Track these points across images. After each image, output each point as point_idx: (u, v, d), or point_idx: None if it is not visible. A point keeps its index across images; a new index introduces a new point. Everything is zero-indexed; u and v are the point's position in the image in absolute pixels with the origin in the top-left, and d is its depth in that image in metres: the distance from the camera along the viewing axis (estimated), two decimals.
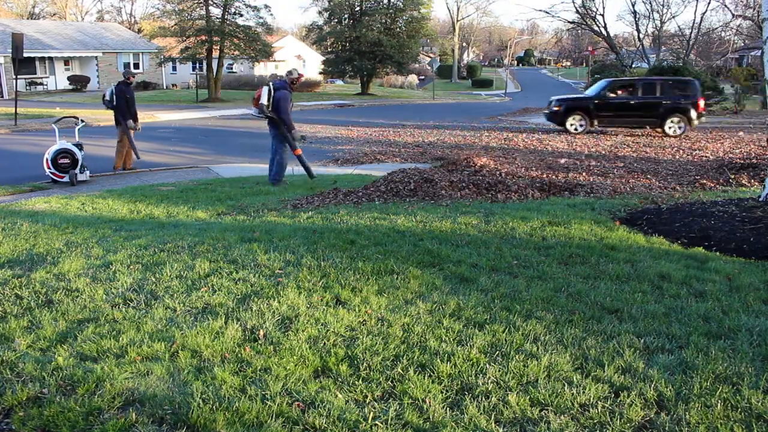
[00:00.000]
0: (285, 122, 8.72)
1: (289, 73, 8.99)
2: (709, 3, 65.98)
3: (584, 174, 9.44)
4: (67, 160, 9.58)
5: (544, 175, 9.18)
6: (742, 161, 10.23)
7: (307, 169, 9.17)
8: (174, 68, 41.10)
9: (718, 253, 4.82)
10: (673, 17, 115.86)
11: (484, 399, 2.64)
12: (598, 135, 16.08)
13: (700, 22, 40.00)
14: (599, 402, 2.61)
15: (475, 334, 3.24)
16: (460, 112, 26.51)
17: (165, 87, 40.79)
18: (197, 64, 39.15)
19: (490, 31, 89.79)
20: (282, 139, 8.88)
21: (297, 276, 4.13)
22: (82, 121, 11.14)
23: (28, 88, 34.06)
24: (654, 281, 4.09)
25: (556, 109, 17.21)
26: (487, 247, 4.88)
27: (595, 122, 16.79)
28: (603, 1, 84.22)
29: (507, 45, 79.66)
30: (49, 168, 9.49)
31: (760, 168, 9.29)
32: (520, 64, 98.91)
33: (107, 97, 10.82)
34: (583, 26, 38.95)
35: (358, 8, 39.19)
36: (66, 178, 9.53)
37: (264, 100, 8.52)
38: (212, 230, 5.58)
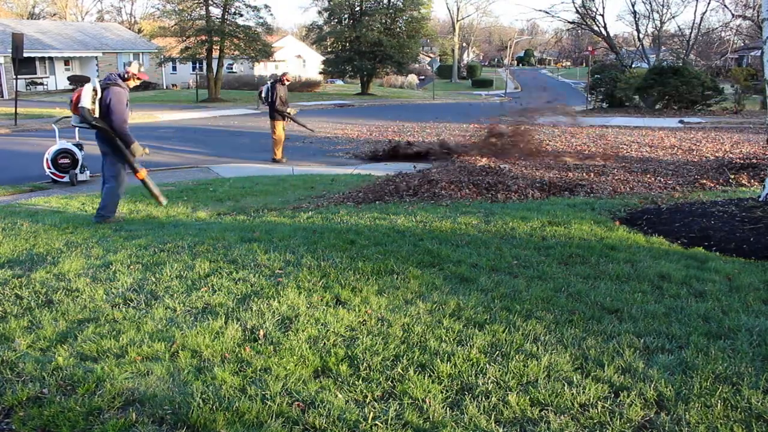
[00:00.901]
0: None
1: (127, 64, 6.47)
2: (709, 3, 66.03)
3: (584, 173, 9.43)
4: (67, 160, 9.59)
5: (545, 176, 9.18)
6: (742, 161, 10.22)
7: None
8: (174, 68, 41.12)
9: (718, 253, 4.82)
10: (673, 17, 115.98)
11: (484, 399, 2.64)
12: (598, 134, 16.07)
13: (700, 22, 39.98)
14: (599, 402, 2.61)
15: (475, 334, 3.24)
16: (460, 112, 26.51)
17: (165, 87, 40.80)
18: (197, 64, 39.15)
19: (490, 31, 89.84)
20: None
21: (297, 276, 4.13)
22: None
23: (28, 88, 34.06)
24: (654, 281, 4.09)
25: None
26: (487, 247, 4.88)
27: None
28: (603, 1, 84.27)
29: (507, 45, 79.72)
30: (49, 168, 9.50)
31: (760, 168, 9.29)
32: (520, 64, 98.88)
33: (264, 94, 12.06)
34: (583, 26, 38.92)
35: (358, 8, 39.20)
36: (66, 178, 9.54)
37: (84, 103, 6.06)
38: (212, 230, 5.58)
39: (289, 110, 12.15)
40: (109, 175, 6.37)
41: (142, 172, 6.43)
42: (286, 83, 12.17)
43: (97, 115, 6.07)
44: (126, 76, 6.26)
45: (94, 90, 6.06)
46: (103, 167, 6.43)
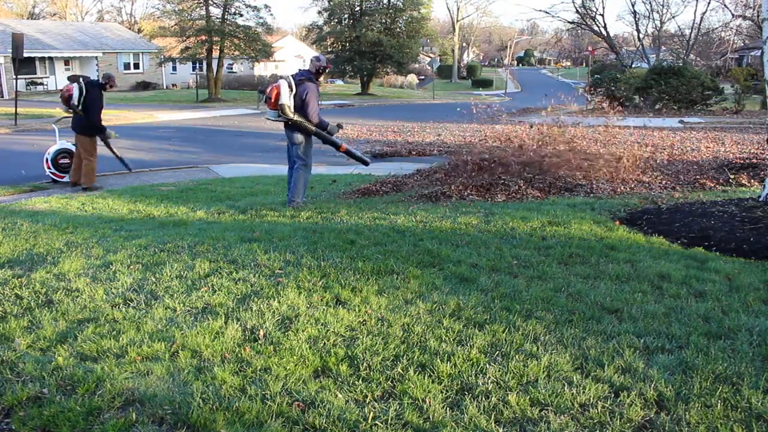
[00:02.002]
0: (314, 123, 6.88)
1: (317, 59, 6.99)
2: (709, 3, 65.95)
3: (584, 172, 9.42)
4: (67, 160, 9.59)
5: (546, 177, 9.17)
6: (742, 161, 10.22)
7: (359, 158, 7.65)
8: (174, 68, 41.13)
9: (717, 253, 4.82)
10: (673, 17, 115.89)
11: (484, 399, 2.64)
12: (598, 134, 16.05)
13: (700, 22, 40.03)
14: (599, 402, 2.61)
15: (475, 334, 3.24)
16: (461, 112, 26.50)
17: (165, 87, 40.81)
18: (197, 64, 39.16)
19: (490, 31, 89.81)
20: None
21: (297, 276, 4.13)
22: None
23: (28, 88, 34.08)
24: (654, 281, 4.09)
25: None
26: (487, 247, 4.88)
27: None
28: (603, 1, 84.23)
29: (507, 45, 79.66)
30: (49, 168, 9.49)
31: (760, 168, 9.29)
32: (520, 64, 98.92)
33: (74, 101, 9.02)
34: (583, 26, 38.94)
35: (358, 8, 39.21)
36: (66, 178, 9.54)
37: (283, 99, 6.66)
38: (212, 230, 5.58)
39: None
40: (301, 163, 7.01)
41: (344, 146, 7.27)
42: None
43: (293, 109, 6.71)
44: (321, 69, 6.86)
45: (290, 86, 6.68)
46: (292, 155, 7.08)
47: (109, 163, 11.64)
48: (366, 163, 7.78)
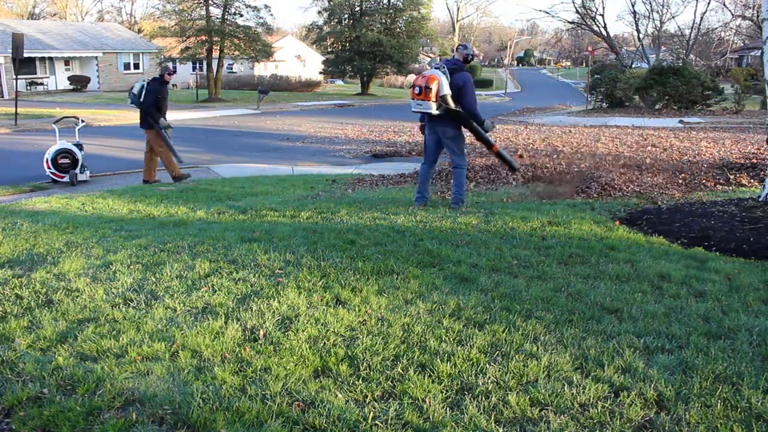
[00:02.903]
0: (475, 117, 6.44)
1: (463, 47, 6.49)
2: (708, 3, 65.91)
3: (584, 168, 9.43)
4: (67, 160, 9.59)
5: (546, 175, 9.18)
6: (742, 161, 10.23)
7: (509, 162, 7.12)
8: (174, 68, 41.14)
9: (717, 253, 4.82)
10: (673, 17, 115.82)
11: (484, 399, 2.64)
12: (598, 135, 16.06)
13: (700, 22, 40.01)
14: (599, 402, 2.61)
15: (475, 334, 3.24)
16: None
17: None
18: (197, 64, 39.16)
19: (490, 31, 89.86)
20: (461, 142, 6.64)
21: (297, 276, 4.13)
22: (83, 121, 11.14)
23: (28, 88, 34.07)
24: (654, 281, 4.09)
25: None
26: (487, 247, 4.88)
27: None
28: (603, 1, 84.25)
29: (507, 45, 79.67)
30: (49, 168, 9.50)
31: (760, 168, 9.29)
32: (520, 64, 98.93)
33: (135, 92, 9.54)
34: (583, 26, 38.95)
35: (358, 8, 39.23)
36: (66, 178, 9.54)
37: (445, 90, 6.10)
38: (212, 230, 5.59)
39: None
40: (458, 162, 6.61)
41: (496, 146, 6.80)
42: None
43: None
44: (469, 57, 6.40)
45: (445, 75, 6.15)
46: (436, 152, 6.76)
47: (109, 163, 11.66)
48: (515, 170, 7.38)
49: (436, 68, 6.22)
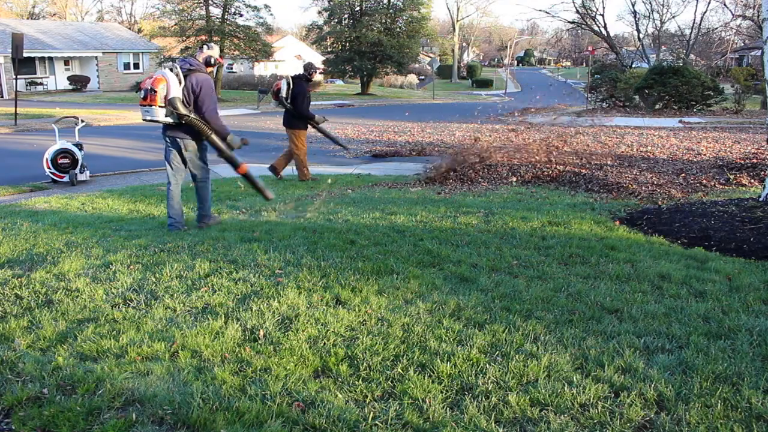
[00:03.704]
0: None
1: (208, 47, 5.71)
2: (709, 3, 65.92)
3: (584, 170, 9.44)
4: (67, 160, 9.58)
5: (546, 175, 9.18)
6: (742, 161, 10.23)
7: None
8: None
9: (718, 253, 4.82)
10: (673, 17, 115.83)
11: (484, 399, 2.64)
12: (597, 134, 16.06)
13: (700, 22, 40.01)
14: (599, 402, 2.61)
15: (475, 334, 3.24)
16: (461, 112, 26.51)
17: None
18: None
19: (490, 31, 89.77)
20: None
21: (297, 276, 4.13)
22: (82, 121, 11.13)
23: (28, 88, 34.07)
24: (654, 281, 4.09)
25: None
26: (487, 247, 4.88)
27: None
28: (603, 1, 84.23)
29: (507, 45, 79.72)
30: (49, 168, 9.49)
31: (760, 168, 9.29)
32: (520, 64, 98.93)
33: (283, 93, 8.93)
34: (583, 26, 38.95)
35: (358, 8, 39.21)
36: (66, 178, 9.53)
37: (173, 92, 5.26)
38: (212, 230, 5.58)
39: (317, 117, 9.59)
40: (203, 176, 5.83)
41: (244, 166, 5.81)
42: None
43: None
44: (210, 61, 5.67)
45: (177, 77, 5.35)
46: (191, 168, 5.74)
47: (109, 163, 11.65)
48: (267, 198, 6.26)
49: (168, 69, 5.35)
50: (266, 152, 13.30)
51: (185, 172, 5.84)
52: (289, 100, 8.93)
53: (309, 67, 9.33)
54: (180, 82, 5.30)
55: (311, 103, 9.44)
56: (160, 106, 5.24)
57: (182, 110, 5.28)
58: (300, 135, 9.30)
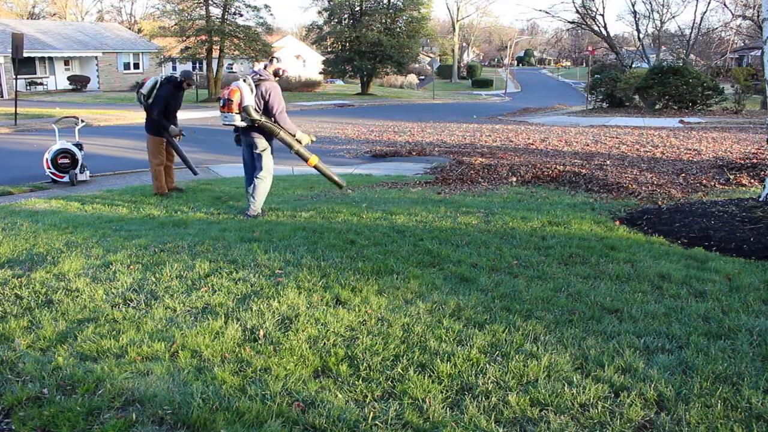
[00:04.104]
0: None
1: (277, 60, 6.56)
2: (709, 3, 65.94)
3: (584, 170, 9.44)
4: (67, 160, 9.58)
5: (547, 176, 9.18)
6: (742, 161, 10.23)
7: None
8: (174, 68, 41.09)
9: (718, 253, 4.82)
10: (673, 17, 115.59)
11: (484, 399, 2.64)
12: (598, 134, 16.06)
13: (700, 22, 40.02)
14: (599, 402, 2.61)
15: (475, 334, 3.24)
16: (460, 112, 26.51)
17: None
18: (197, 64, 39.16)
19: (490, 31, 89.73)
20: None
21: (297, 276, 4.13)
22: (82, 121, 11.12)
23: (28, 88, 34.07)
24: (654, 281, 4.09)
25: None
26: (487, 247, 4.88)
27: None
28: (603, 1, 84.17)
29: (507, 45, 79.71)
30: (49, 168, 9.49)
31: (760, 168, 9.30)
32: (520, 64, 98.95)
33: (144, 91, 7.89)
34: (583, 26, 38.95)
35: (358, 8, 39.22)
36: (66, 178, 9.53)
37: (247, 101, 6.18)
38: (212, 230, 5.59)
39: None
40: (261, 173, 6.52)
41: (312, 159, 6.67)
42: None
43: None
44: (279, 72, 6.42)
45: (249, 87, 6.19)
46: (257, 163, 6.54)
47: (109, 163, 11.65)
48: (340, 186, 7.18)
49: (242, 81, 6.24)
50: None
51: (252, 165, 6.69)
52: (150, 101, 7.77)
53: (185, 75, 8.06)
54: (252, 91, 6.22)
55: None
56: (236, 113, 6.18)
57: (254, 116, 6.19)
58: (154, 142, 8.08)
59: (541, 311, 3.56)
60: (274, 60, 6.49)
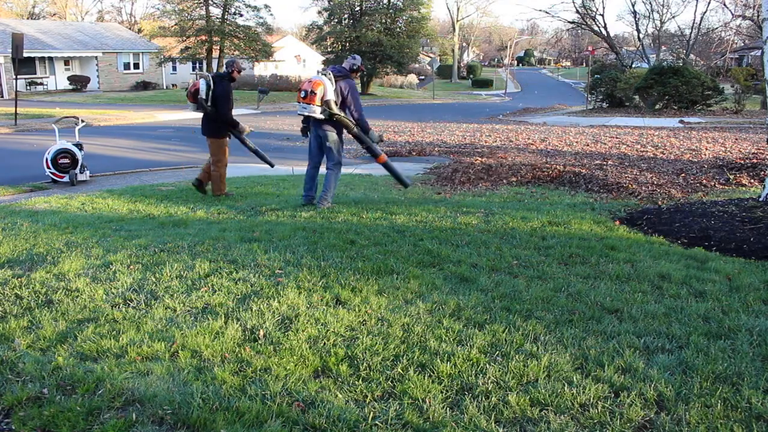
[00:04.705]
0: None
1: (352, 58, 6.72)
2: (709, 3, 65.94)
3: (584, 170, 9.44)
4: (67, 160, 9.58)
5: (547, 177, 9.18)
6: (742, 161, 10.23)
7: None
8: (174, 68, 41.14)
9: (718, 253, 4.82)
10: (673, 17, 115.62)
11: (484, 399, 2.64)
12: (597, 134, 16.06)
13: (700, 22, 40.02)
14: (599, 402, 2.61)
15: (475, 334, 3.24)
16: (460, 112, 26.52)
17: (165, 87, 40.76)
18: (197, 64, 39.15)
19: (490, 31, 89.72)
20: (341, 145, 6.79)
21: (297, 276, 4.13)
22: (82, 121, 11.12)
23: (28, 88, 34.06)
24: (654, 281, 4.09)
25: None
26: (487, 247, 4.88)
27: None
28: (603, 1, 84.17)
29: (507, 45, 79.70)
30: (49, 168, 9.49)
31: (760, 168, 9.30)
32: (520, 64, 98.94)
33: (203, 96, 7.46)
34: (583, 26, 38.94)
35: (358, 8, 39.25)
36: (66, 178, 9.53)
37: (329, 95, 6.28)
38: (212, 230, 5.59)
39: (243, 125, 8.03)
40: (332, 166, 6.82)
41: (383, 156, 6.88)
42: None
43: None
44: (354, 68, 6.64)
45: (330, 81, 6.38)
46: (327, 155, 6.80)
47: (109, 163, 11.65)
48: (405, 185, 7.31)
49: (323, 75, 6.43)
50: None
51: (319, 157, 6.93)
52: (209, 103, 7.48)
53: (231, 64, 7.71)
54: (332, 86, 6.37)
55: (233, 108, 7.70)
56: (317, 105, 6.31)
57: (335, 110, 6.36)
58: (222, 144, 7.86)
59: (541, 311, 3.56)
60: (351, 57, 6.71)
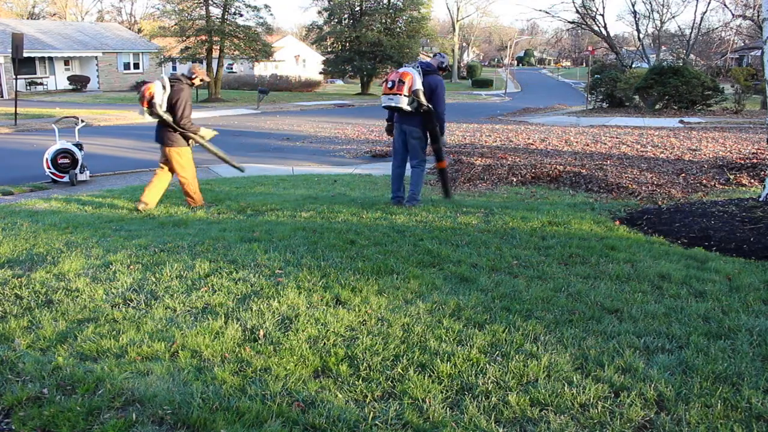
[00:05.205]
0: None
1: (441, 56, 6.71)
2: (709, 3, 65.97)
3: (585, 170, 9.44)
4: (67, 160, 9.58)
5: (547, 177, 9.18)
6: (742, 161, 10.23)
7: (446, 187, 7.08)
8: (174, 68, 41.11)
9: (718, 253, 4.82)
10: (673, 17, 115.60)
11: (484, 399, 2.64)
12: (598, 134, 16.06)
13: (700, 22, 40.02)
14: (599, 402, 2.61)
15: (475, 334, 3.24)
16: (460, 112, 26.51)
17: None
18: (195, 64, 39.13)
19: (490, 31, 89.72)
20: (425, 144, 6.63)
21: (297, 276, 4.13)
22: (82, 120, 11.12)
23: (28, 88, 34.07)
24: (654, 281, 4.09)
25: None
26: (487, 247, 4.88)
27: None
28: (603, 1, 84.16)
29: (507, 45, 79.70)
30: (48, 168, 9.49)
31: (760, 168, 9.30)
32: (520, 64, 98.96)
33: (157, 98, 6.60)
34: (583, 26, 38.95)
35: (358, 8, 39.26)
36: (66, 178, 9.53)
37: (418, 85, 6.13)
38: (212, 230, 5.59)
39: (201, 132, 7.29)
40: (418, 163, 6.74)
41: (445, 162, 6.82)
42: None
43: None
44: (443, 65, 6.60)
45: (419, 74, 6.24)
46: (411, 152, 6.71)
47: (109, 163, 11.65)
48: (448, 196, 7.08)
49: (412, 67, 6.31)
50: (265, 152, 13.31)
51: (404, 154, 6.77)
52: (165, 109, 6.65)
53: (192, 69, 7.02)
54: (420, 78, 6.18)
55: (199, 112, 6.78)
56: (404, 95, 6.12)
57: (423, 100, 6.16)
58: (184, 153, 7.04)
59: (541, 311, 3.56)
60: (438, 55, 6.68)
